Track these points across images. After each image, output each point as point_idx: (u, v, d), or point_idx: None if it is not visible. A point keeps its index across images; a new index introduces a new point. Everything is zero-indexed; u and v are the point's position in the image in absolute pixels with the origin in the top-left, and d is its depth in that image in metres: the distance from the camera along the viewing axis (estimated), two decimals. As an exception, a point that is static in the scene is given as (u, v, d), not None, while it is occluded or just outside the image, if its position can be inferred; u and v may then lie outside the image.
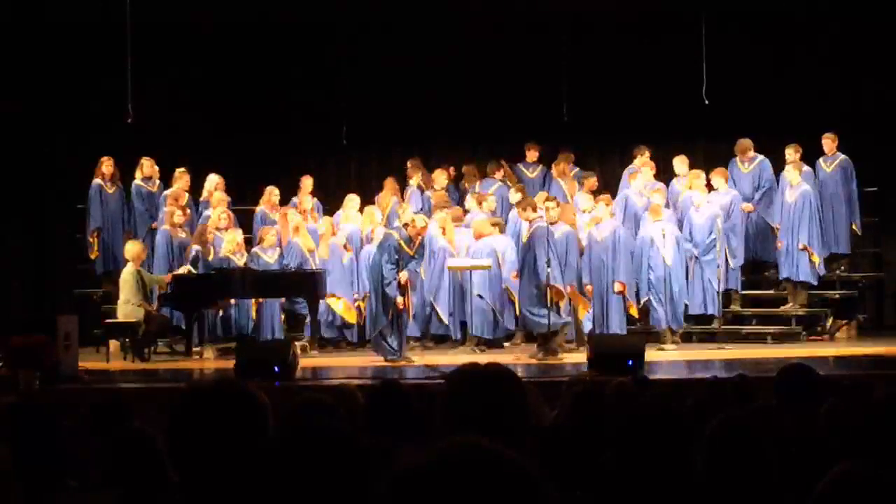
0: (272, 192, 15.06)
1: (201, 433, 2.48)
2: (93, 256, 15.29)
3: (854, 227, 15.01)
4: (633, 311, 13.73)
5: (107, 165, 15.20)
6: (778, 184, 14.89)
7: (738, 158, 15.18)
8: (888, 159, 15.36)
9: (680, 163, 15.17)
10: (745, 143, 15.08)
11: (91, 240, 15.25)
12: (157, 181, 15.40)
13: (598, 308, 13.48)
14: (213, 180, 15.17)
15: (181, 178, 15.01)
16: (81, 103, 15.77)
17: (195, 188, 15.32)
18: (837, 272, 15.15)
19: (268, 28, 16.11)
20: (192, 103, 16.10)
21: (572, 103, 15.41)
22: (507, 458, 1.59)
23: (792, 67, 15.53)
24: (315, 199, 15.42)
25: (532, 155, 15.90)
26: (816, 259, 14.43)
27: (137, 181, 15.31)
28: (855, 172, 14.91)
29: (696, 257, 14.17)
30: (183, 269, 13.88)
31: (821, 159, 15.03)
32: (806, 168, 14.75)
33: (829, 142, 14.94)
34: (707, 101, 14.63)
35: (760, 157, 15.09)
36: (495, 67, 16.21)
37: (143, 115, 14.38)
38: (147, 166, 15.30)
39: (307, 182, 15.41)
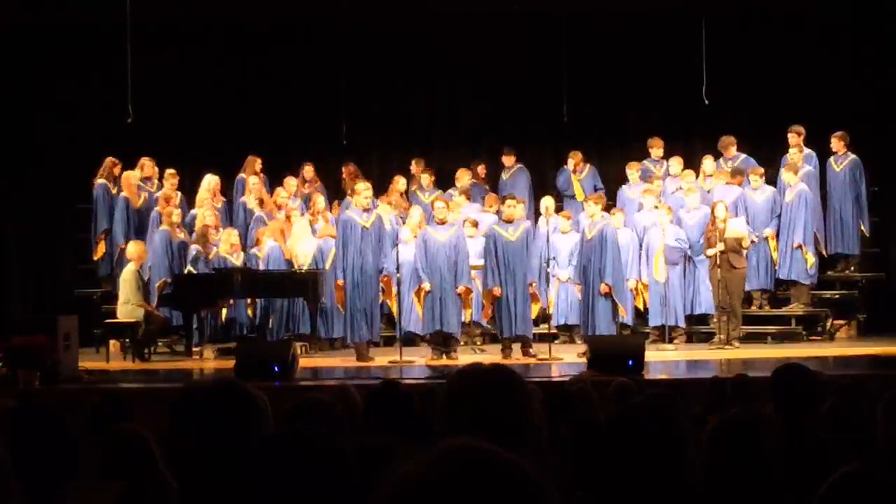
0: (278, 194, 15.03)
1: (200, 433, 2.47)
2: (96, 257, 15.26)
3: (862, 227, 14.98)
4: (622, 312, 13.63)
5: (118, 168, 15.17)
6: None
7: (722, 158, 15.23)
8: (890, 159, 15.35)
9: (675, 163, 15.19)
10: (728, 140, 15.09)
11: (98, 241, 15.22)
12: (157, 181, 15.39)
13: (586, 309, 13.39)
14: (210, 180, 15.14)
15: (170, 180, 15.00)
16: (81, 103, 15.77)
17: (194, 188, 15.33)
18: (847, 272, 15.14)
19: (268, 28, 16.10)
20: (191, 103, 16.09)
21: (572, 103, 15.41)
22: (506, 459, 1.58)
23: (792, 67, 15.51)
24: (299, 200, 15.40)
25: (509, 160, 15.91)
26: (811, 259, 14.42)
27: (138, 181, 15.28)
28: (864, 173, 14.89)
29: (691, 257, 14.15)
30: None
31: (831, 158, 15.00)
32: (807, 168, 14.72)
33: (838, 141, 14.90)
34: (707, 101, 14.63)
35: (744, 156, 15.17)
36: (495, 67, 16.21)
37: (143, 115, 14.38)
38: (147, 167, 15.30)
39: (308, 175, 15.50)
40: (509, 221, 13.22)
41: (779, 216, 14.44)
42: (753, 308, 14.73)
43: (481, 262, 13.87)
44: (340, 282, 13.02)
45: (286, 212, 14.72)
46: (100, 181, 15.20)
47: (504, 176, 16.01)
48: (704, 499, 3.34)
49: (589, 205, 13.65)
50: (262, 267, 14.06)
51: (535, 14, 15.46)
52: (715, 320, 13.78)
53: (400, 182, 15.52)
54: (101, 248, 15.26)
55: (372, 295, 12.99)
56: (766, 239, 14.47)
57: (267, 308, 14.26)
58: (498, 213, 14.53)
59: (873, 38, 15.33)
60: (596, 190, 15.44)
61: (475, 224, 14.39)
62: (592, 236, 13.33)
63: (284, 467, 2.21)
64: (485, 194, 15.57)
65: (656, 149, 15.52)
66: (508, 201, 13.42)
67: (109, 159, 15.18)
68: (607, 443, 3.01)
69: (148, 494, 3.68)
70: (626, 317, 13.75)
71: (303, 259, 14.26)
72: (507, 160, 15.95)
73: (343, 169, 15.65)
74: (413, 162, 15.93)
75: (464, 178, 15.61)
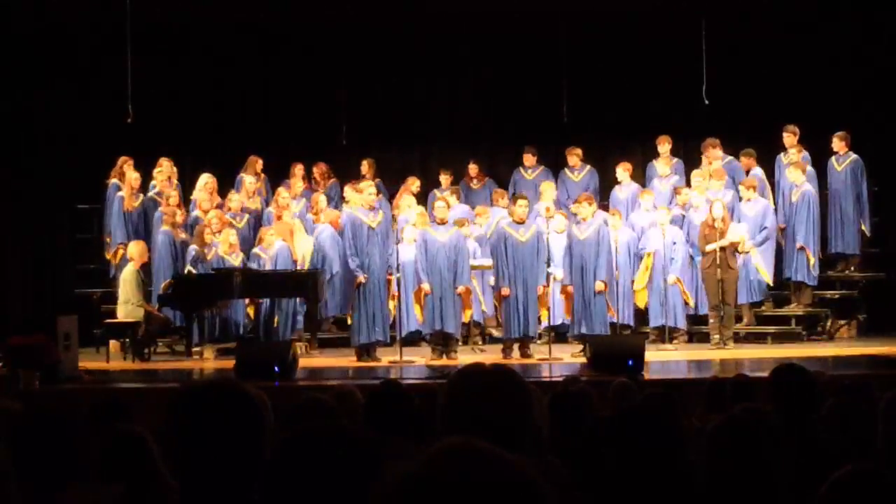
0: (280, 194, 14.95)
1: (197, 432, 2.47)
2: (109, 255, 15.20)
3: (863, 227, 14.98)
4: (612, 313, 13.61)
5: (128, 166, 15.13)
6: (778, 185, 14.92)
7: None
8: (890, 159, 15.35)
9: (660, 164, 15.21)
10: (710, 141, 14.99)
11: (107, 239, 15.19)
12: (176, 181, 15.36)
13: (580, 308, 13.37)
14: (204, 179, 15.12)
15: (159, 178, 14.98)
16: (81, 103, 15.76)
17: (193, 188, 15.33)
18: (846, 272, 15.13)
19: (268, 28, 16.09)
20: (191, 103, 16.09)
21: (572, 103, 15.41)
22: (506, 459, 1.58)
23: (792, 67, 15.51)
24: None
25: (530, 159, 15.90)
26: (812, 259, 14.42)
27: (139, 183, 15.26)
28: (865, 172, 14.88)
29: (692, 258, 14.15)
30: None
31: (832, 158, 14.99)
32: (809, 168, 14.72)
33: (839, 141, 14.87)
34: (707, 101, 14.63)
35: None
36: (495, 67, 16.22)
37: (143, 115, 14.38)
38: (166, 167, 15.23)
39: (298, 172, 15.46)
40: (520, 222, 13.19)
41: (764, 228, 14.32)
42: (746, 308, 14.72)
43: (477, 261, 13.88)
44: (362, 278, 12.95)
45: (277, 212, 14.66)
46: (113, 181, 15.14)
47: (527, 176, 15.94)
48: (704, 499, 3.34)
49: (582, 206, 13.60)
50: (269, 267, 14.03)
51: (534, 14, 15.45)
52: (711, 320, 13.77)
53: (414, 184, 15.46)
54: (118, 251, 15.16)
55: (379, 295, 12.97)
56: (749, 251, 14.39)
57: (273, 307, 14.20)
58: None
59: (874, 37, 15.32)
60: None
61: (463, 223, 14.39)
62: (586, 237, 13.30)
63: (315, 464, 2.20)
64: (493, 188, 15.60)
65: (664, 145, 15.43)
66: (520, 201, 13.36)
67: (123, 158, 15.12)
68: (607, 443, 3.01)
69: (147, 494, 3.68)
70: (614, 317, 13.75)
71: (300, 259, 14.26)
72: (529, 160, 15.90)
73: (314, 169, 15.64)
74: (364, 163, 15.69)
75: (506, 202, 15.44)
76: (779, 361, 6.44)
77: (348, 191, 14.61)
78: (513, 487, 1.55)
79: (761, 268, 14.23)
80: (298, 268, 14.08)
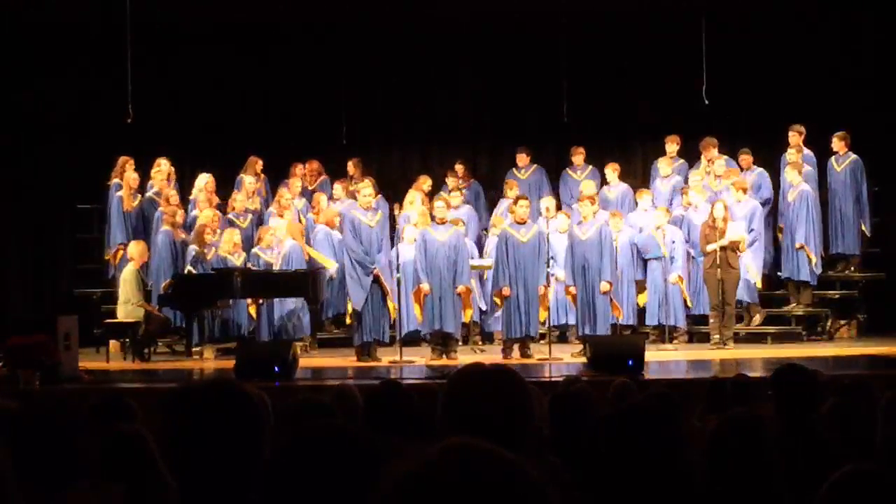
0: (282, 195, 14.90)
1: (197, 432, 2.47)
2: (107, 257, 15.20)
3: (863, 227, 14.97)
4: (618, 313, 13.61)
5: (129, 166, 15.11)
6: (779, 185, 14.92)
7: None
8: (890, 159, 15.35)
9: (663, 164, 15.20)
10: (708, 141, 14.97)
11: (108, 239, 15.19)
12: (174, 181, 15.36)
13: (584, 309, 13.33)
14: (204, 179, 15.11)
15: (157, 177, 14.98)
16: (81, 103, 15.76)
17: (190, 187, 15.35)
18: (846, 272, 15.13)
19: (268, 28, 16.10)
20: (191, 103, 16.10)
21: (572, 103, 15.42)
22: (506, 459, 1.58)
23: (792, 67, 15.52)
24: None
25: (523, 159, 15.88)
26: (814, 258, 14.42)
27: (138, 184, 15.25)
28: (865, 172, 14.87)
29: (693, 257, 14.14)
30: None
31: (832, 158, 14.99)
32: (807, 168, 14.73)
33: (839, 141, 14.86)
34: (707, 101, 14.64)
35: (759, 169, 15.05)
36: (496, 67, 16.22)
37: (143, 115, 14.39)
38: (164, 165, 15.22)
39: (298, 172, 15.44)
40: (521, 222, 13.19)
41: (752, 230, 14.28)
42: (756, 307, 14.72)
43: (476, 261, 13.89)
44: (378, 271, 12.92)
45: (278, 212, 14.64)
46: (115, 181, 15.13)
47: (521, 175, 15.94)
48: (704, 499, 3.34)
49: (585, 205, 13.59)
50: (278, 266, 13.99)
51: (534, 14, 15.46)
52: (712, 320, 13.77)
53: (426, 182, 15.42)
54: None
55: (378, 295, 12.98)
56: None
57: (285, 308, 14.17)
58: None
59: (874, 37, 15.32)
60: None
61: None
62: (587, 237, 13.28)
63: (316, 464, 2.20)
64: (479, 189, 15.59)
65: (672, 145, 15.38)
66: (521, 201, 13.35)
67: (123, 158, 15.11)
68: (607, 443, 3.01)
69: (147, 494, 3.68)
70: (622, 317, 13.74)
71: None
72: (522, 160, 15.88)
73: (305, 166, 15.63)
74: (350, 163, 15.61)
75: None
76: (779, 361, 6.44)
77: (338, 188, 14.66)
78: (513, 487, 1.55)
79: (750, 267, 14.23)
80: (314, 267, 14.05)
